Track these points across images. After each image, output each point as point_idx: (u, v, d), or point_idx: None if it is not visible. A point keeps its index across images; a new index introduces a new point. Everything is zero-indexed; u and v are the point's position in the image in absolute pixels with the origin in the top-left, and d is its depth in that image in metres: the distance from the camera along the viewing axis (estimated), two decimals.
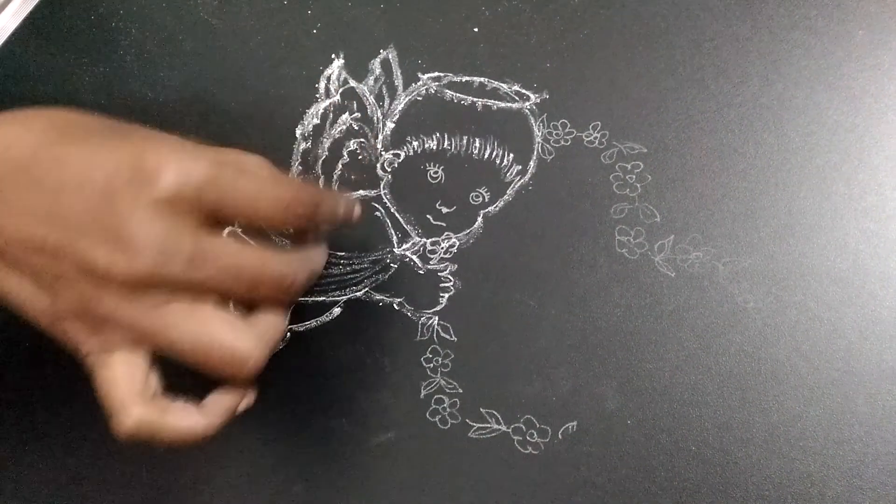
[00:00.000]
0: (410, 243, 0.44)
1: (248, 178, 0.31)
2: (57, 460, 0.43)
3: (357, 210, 0.38)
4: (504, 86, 0.46)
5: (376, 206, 0.45)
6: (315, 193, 0.34)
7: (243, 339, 0.32)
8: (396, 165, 0.45)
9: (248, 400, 0.36)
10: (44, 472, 0.43)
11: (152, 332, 0.31)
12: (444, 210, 0.44)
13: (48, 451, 0.44)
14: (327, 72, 0.48)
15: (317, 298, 0.44)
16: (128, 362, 0.31)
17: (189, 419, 0.32)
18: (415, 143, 0.46)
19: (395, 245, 0.44)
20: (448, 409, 0.41)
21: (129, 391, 0.31)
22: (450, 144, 0.45)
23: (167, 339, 0.31)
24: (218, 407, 0.34)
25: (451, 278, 0.43)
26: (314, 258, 0.37)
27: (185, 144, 0.32)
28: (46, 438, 0.44)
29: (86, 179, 0.29)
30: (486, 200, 0.44)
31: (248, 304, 0.34)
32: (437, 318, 0.42)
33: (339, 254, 0.44)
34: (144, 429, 0.31)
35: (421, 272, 0.43)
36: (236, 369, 0.32)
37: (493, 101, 0.45)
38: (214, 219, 0.31)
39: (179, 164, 0.30)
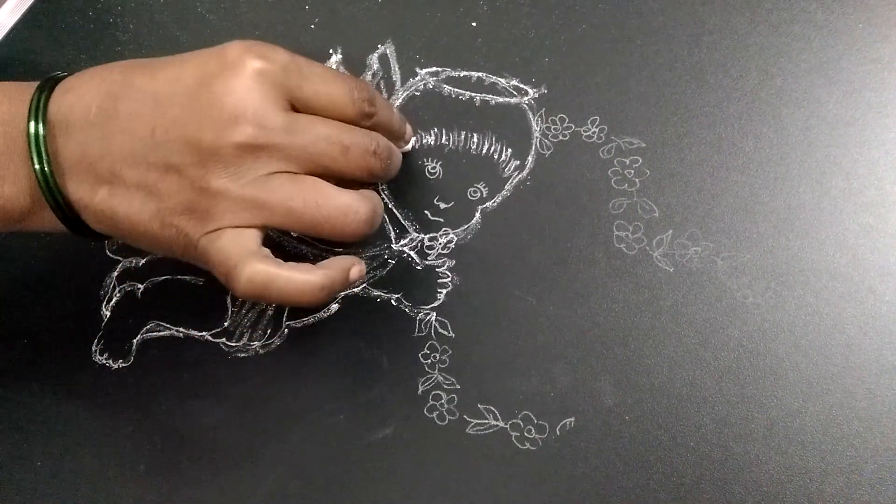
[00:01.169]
0: (408, 239, 0.44)
1: (319, 66, 0.35)
2: (56, 460, 0.43)
3: (409, 129, 0.43)
4: (502, 80, 0.45)
5: None
6: (372, 87, 0.38)
7: (348, 194, 0.34)
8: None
9: (359, 267, 0.38)
10: (43, 472, 0.43)
11: (262, 201, 0.33)
12: (442, 206, 0.44)
13: (47, 451, 0.44)
14: None
15: None
16: (239, 234, 0.33)
17: (306, 273, 0.34)
18: (412, 139, 0.45)
19: (393, 241, 0.44)
20: (446, 405, 0.40)
21: (243, 251, 0.33)
22: (447, 139, 0.45)
23: (278, 208, 0.33)
24: (334, 264, 0.36)
25: (449, 274, 0.43)
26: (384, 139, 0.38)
27: (262, 42, 0.34)
28: (46, 438, 0.44)
29: (179, 79, 0.32)
30: (484, 196, 0.44)
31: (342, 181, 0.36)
32: (434, 313, 0.42)
33: (336, 250, 0.44)
34: (261, 279, 0.33)
35: (419, 268, 0.43)
36: (348, 221, 0.34)
37: (491, 95, 0.45)
38: (297, 97, 0.34)
39: (261, 50, 0.33)
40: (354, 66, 0.47)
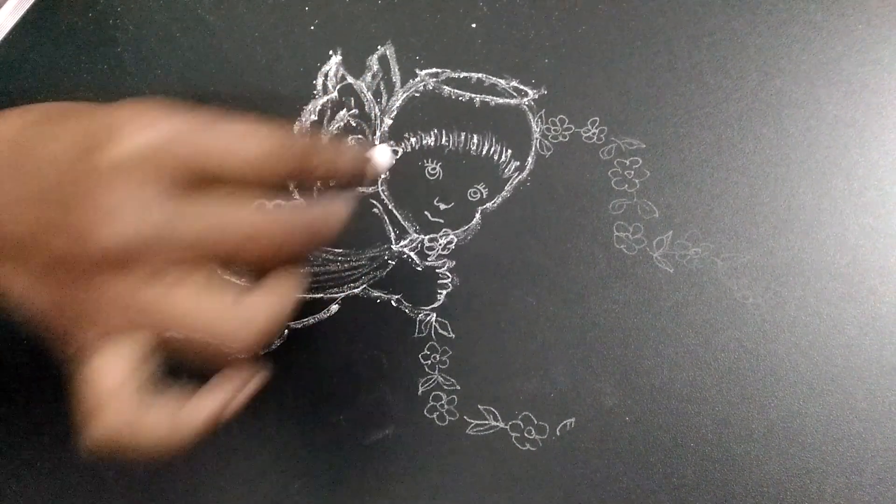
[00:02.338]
0: (408, 240, 0.44)
1: (224, 127, 0.28)
2: (54, 461, 0.43)
3: (373, 167, 0.33)
4: (502, 82, 0.46)
5: (374, 202, 0.45)
6: (308, 139, 0.31)
7: (245, 306, 0.29)
8: (394, 162, 0.45)
9: (248, 389, 0.31)
10: (41, 473, 0.43)
11: (150, 306, 0.28)
12: (442, 206, 0.44)
13: (45, 452, 0.44)
14: (325, 68, 0.48)
15: (314, 295, 0.44)
16: (114, 354, 0.28)
17: (163, 428, 0.28)
18: (412, 140, 0.45)
19: (393, 242, 0.44)
20: (446, 406, 0.40)
21: (107, 389, 0.28)
22: (447, 141, 0.45)
23: (158, 313, 0.28)
24: (206, 404, 0.30)
25: (449, 275, 0.43)
26: (322, 211, 0.31)
27: (151, 105, 0.28)
28: (44, 437, 0.44)
29: (55, 158, 0.28)
30: (484, 197, 0.44)
31: (251, 268, 0.30)
32: (434, 314, 0.42)
33: (336, 251, 0.44)
34: (111, 440, 0.28)
35: (419, 269, 0.43)
36: (238, 340, 0.29)
37: (491, 97, 0.45)
38: (198, 178, 0.28)
39: (136, 124, 0.27)
40: (354, 67, 0.47)
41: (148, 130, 0.27)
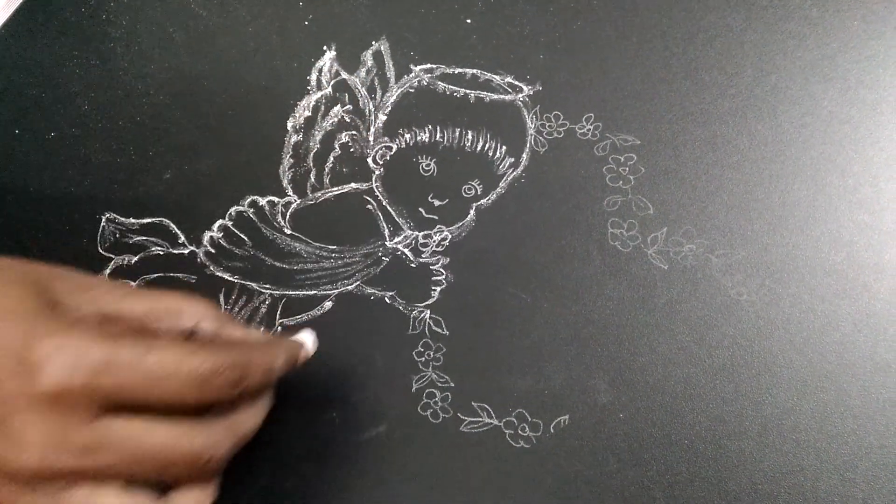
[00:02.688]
0: (402, 236, 0.44)
1: (154, 358, 0.28)
2: None
3: (306, 351, 0.36)
4: (497, 77, 0.45)
5: (368, 199, 0.45)
6: (240, 360, 0.30)
7: None
8: (388, 158, 0.45)
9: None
10: None
11: None
12: (437, 203, 0.44)
13: None
14: (319, 64, 0.48)
15: (308, 292, 0.44)
16: None
17: None
18: (407, 136, 0.45)
19: (387, 238, 0.44)
20: (440, 403, 0.40)
21: None
22: (442, 137, 0.45)
23: None
24: None
25: (444, 271, 0.43)
26: (246, 420, 0.32)
27: (83, 322, 0.29)
28: None
29: None
30: (479, 193, 0.44)
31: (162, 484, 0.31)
32: (428, 311, 0.42)
33: (330, 247, 0.44)
34: None
35: (413, 265, 0.43)
36: None
37: (485, 92, 0.45)
38: (116, 403, 0.28)
39: (68, 354, 0.27)
40: (348, 62, 0.47)
41: (70, 368, 0.27)
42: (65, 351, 0.27)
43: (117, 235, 0.47)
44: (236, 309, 0.44)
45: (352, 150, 0.46)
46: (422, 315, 0.42)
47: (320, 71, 0.48)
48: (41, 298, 0.29)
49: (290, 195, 0.46)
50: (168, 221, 0.46)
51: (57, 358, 0.27)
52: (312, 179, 0.46)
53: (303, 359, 0.36)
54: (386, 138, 0.45)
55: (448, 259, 0.43)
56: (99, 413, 0.28)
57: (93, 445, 0.28)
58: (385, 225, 0.44)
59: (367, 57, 0.47)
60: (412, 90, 0.46)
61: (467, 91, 0.45)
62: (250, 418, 0.33)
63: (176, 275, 0.45)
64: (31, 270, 0.32)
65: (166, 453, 0.29)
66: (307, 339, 0.36)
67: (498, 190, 0.43)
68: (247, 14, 0.50)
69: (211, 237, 0.46)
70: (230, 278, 0.45)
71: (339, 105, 0.47)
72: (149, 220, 0.46)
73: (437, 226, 0.43)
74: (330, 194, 0.45)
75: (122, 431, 0.28)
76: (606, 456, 0.38)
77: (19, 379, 0.27)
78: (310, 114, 0.47)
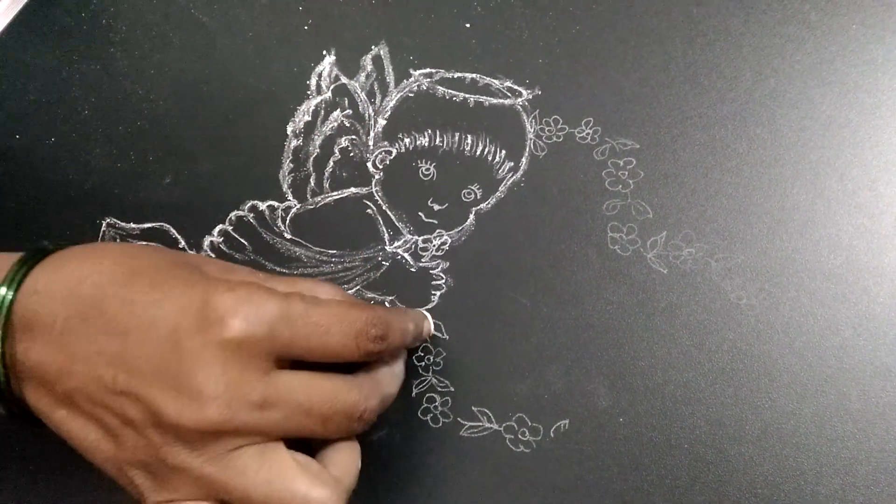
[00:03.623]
0: (402, 241, 0.44)
1: (319, 311, 0.31)
2: (49, 466, 0.43)
3: (428, 325, 0.39)
4: (496, 82, 0.45)
5: (368, 203, 0.45)
6: (385, 317, 0.33)
7: (318, 486, 0.30)
8: (388, 162, 0.45)
9: None
10: (36, 478, 0.43)
11: (221, 484, 0.29)
12: (436, 207, 0.44)
13: (40, 458, 0.43)
14: (318, 68, 0.48)
15: None
16: None
17: None
18: (406, 140, 0.45)
19: (387, 243, 0.44)
20: (440, 408, 0.40)
21: None
22: (441, 141, 0.45)
23: (237, 490, 0.29)
24: None
25: (443, 276, 0.43)
26: (387, 380, 0.35)
27: (254, 282, 0.31)
28: (39, 445, 0.44)
29: (153, 324, 0.29)
30: (478, 197, 0.44)
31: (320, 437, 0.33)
32: (429, 316, 0.42)
33: (330, 252, 0.44)
34: None
35: (412, 270, 0.43)
36: None
37: (485, 97, 0.45)
38: (286, 356, 0.30)
39: (248, 308, 0.29)
40: (348, 67, 0.47)
41: (252, 319, 0.29)
42: (246, 303, 0.29)
43: (118, 240, 0.47)
44: None
45: (351, 154, 0.46)
46: None
47: (320, 75, 0.48)
48: (200, 272, 0.32)
49: (290, 200, 0.46)
50: (168, 226, 0.46)
51: (240, 309, 0.29)
52: (312, 184, 0.46)
53: (426, 333, 0.39)
54: (385, 143, 0.46)
55: (448, 263, 0.43)
56: (272, 367, 0.30)
57: (268, 399, 0.29)
58: (385, 229, 0.44)
59: (367, 61, 0.47)
60: (412, 94, 0.46)
61: (467, 95, 0.46)
62: (392, 380, 0.35)
63: None
64: (182, 254, 0.35)
65: (330, 404, 0.31)
66: (428, 316, 0.41)
67: (497, 194, 0.43)
68: (247, 19, 0.50)
69: (211, 242, 0.46)
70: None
71: (338, 109, 0.47)
72: (149, 225, 0.47)
73: (437, 230, 0.44)
74: (330, 199, 0.45)
75: (291, 383, 0.30)
76: (606, 460, 0.38)
77: (202, 332, 0.28)
78: (310, 118, 0.47)
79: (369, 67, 0.47)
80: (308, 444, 0.33)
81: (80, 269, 0.31)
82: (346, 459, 0.33)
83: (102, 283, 0.30)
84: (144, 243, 0.32)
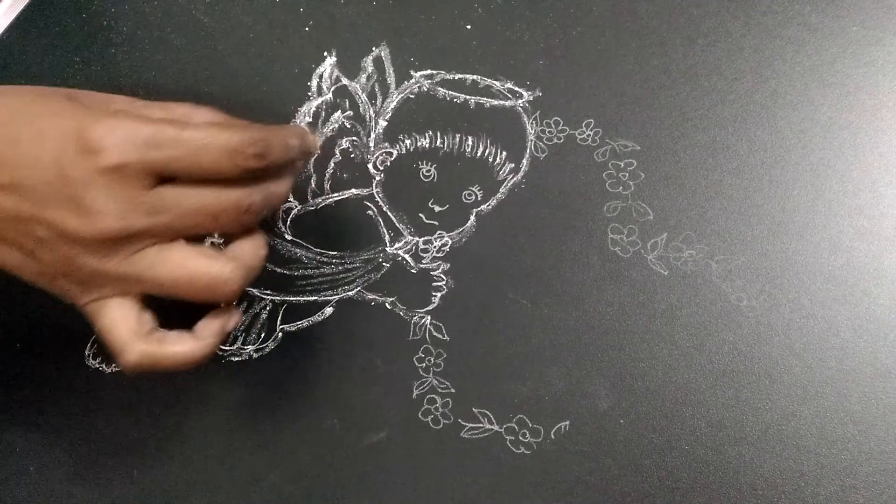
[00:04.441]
0: (403, 242, 0.44)
1: (189, 134, 0.33)
2: (49, 464, 0.43)
3: (313, 139, 0.39)
4: (497, 83, 0.45)
5: (368, 204, 0.45)
6: (263, 136, 0.34)
7: (219, 264, 0.34)
8: (389, 164, 0.45)
9: (235, 318, 0.38)
10: (36, 477, 0.43)
11: (135, 279, 0.33)
12: (437, 208, 0.44)
13: (40, 456, 0.43)
14: (319, 70, 0.48)
15: (309, 298, 0.44)
16: (120, 307, 0.34)
17: (185, 345, 0.35)
18: (407, 142, 0.45)
19: (388, 244, 0.44)
20: (440, 409, 0.40)
21: (126, 332, 0.34)
22: (442, 142, 0.45)
23: (149, 281, 0.33)
24: (209, 330, 0.36)
25: (444, 277, 0.43)
26: (272, 188, 0.37)
27: (129, 110, 0.34)
28: (39, 443, 0.44)
29: (38, 157, 0.32)
30: (479, 199, 0.44)
31: (222, 236, 0.37)
32: (429, 317, 0.42)
33: (330, 253, 0.44)
34: (146, 362, 0.34)
35: (413, 271, 0.43)
36: (218, 291, 0.34)
37: (485, 98, 0.45)
38: (168, 175, 0.33)
39: (120, 133, 0.32)
40: (349, 68, 0.47)
41: (124, 146, 0.32)
42: (117, 130, 0.32)
43: None
44: None
45: (352, 155, 0.46)
46: (422, 321, 0.42)
47: (321, 77, 0.48)
48: (77, 103, 0.34)
49: (290, 201, 0.46)
50: None
51: (112, 136, 0.32)
52: (313, 185, 0.46)
53: (312, 146, 0.39)
54: (386, 144, 0.46)
55: (448, 265, 0.43)
56: (154, 183, 0.33)
57: (156, 206, 0.32)
58: (385, 230, 0.44)
59: (368, 63, 0.47)
60: (412, 96, 0.46)
61: (467, 97, 0.46)
62: (278, 186, 0.37)
63: None
64: (59, 88, 0.36)
65: (216, 201, 0.34)
66: (307, 130, 0.41)
67: (498, 195, 0.43)
68: (248, 20, 0.50)
69: (211, 242, 0.46)
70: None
71: (339, 111, 0.47)
72: None
73: (438, 231, 0.44)
74: (330, 200, 0.45)
75: (177, 194, 0.33)
76: (607, 462, 0.38)
77: (82, 160, 0.31)
78: (310, 119, 0.47)
79: (370, 69, 0.47)
80: None
81: None
82: (246, 246, 0.36)
83: None
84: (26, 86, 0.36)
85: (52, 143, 0.32)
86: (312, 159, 0.46)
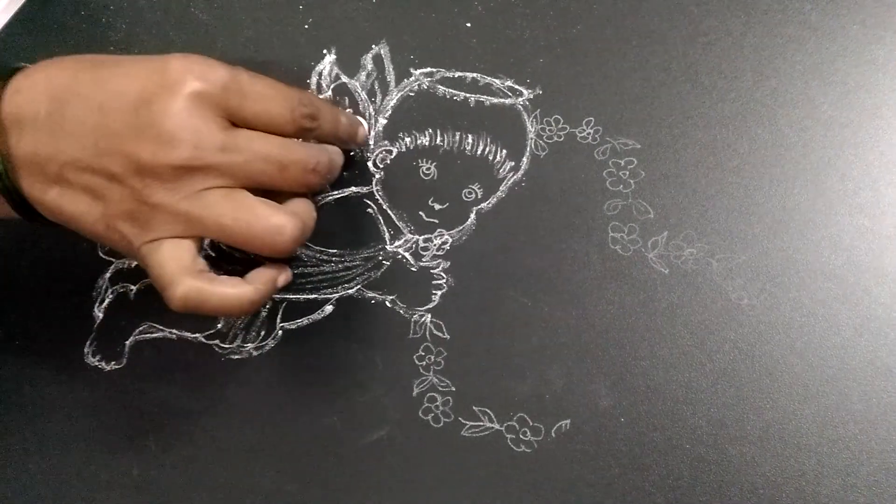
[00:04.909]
0: (403, 240, 0.44)
1: (262, 82, 0.36)
2: (49, 462, 0.43)
3: (363, 130, 0.44)
4: (497, 81, 0.45)
5: (368, 202, 0.45)
6: (315, 100, 0.38)
7: (279, 214, 0.35)
8: (388, 162, 0.45)
9: (286, 275, 0.39)
10: (35, 474, 0.43)
11: (197, 218, 0.35)
12: (437, 207, 0.44)
13: (39, 453, 0.43)
14: (319, 67, 0.48)
15: (309, 296, 0.44)
16: (177, 246, 0.35)
17: (236, 287, 0.36)
18: (407, 140, 0.45)
19: (388, 242, 0.44)
20: (441, 408, 0.40)
21: (178, 267, 0.35)
22: (442, 140, 0.45)
23: (211, 222, 0.35)
24: (261, 278, 0.38)
25: (444, 275, 0.43)
26: (332, 150, 0.40)
27: (204, 57, 0.36)
28: (38, 441, 0.44)
29: (123, 93, 0.34)
30: (479, 197, 0.44)
31: (279, 193, 0.38)
32: (429, 315, 0.42)
33: (330, 251, 0.44)
34: (194, 296, 0.35)
35: (413, 269, 0.43)
36: (276, 241, 0.35)
37: (485, 96, 0.45)
38: (235, 118, 0.35)
39: (203, 69, 0.34)
40: (348, 66, 0.47)
41: (207, 78, 0.34)
42: (201, 65, 0.34)
43: None
44: None
45: (352, 153, 0.46)
46: (422, 319, 0.42)
47: (320, 74, 0.48)
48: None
49: None
50: None
51: (195, 69, 0.34)
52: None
53: (362, 136, 0.44)
54: (386, 142, 0.45)
55: (449, 263, 0.43)
56: (228, 125, 0.35)
57: (229, 145, 0.34)
58: (385, 229, 0.44)
59: (367, 60, 0.47)
60: (412, 94, 0.46)
61: (467, 95, 0.45)
62: (334, 153, 0.41)
63: None
64: None
65: (286, 152, 0.36)
66: (364, 123, 0.45)
67: (498, 194, 0.43)
68: (247, 18, 0.50)
69: (211, 240, 0.46)
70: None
71: (339, 108, 0.47)
72: None
73: (438, 229, 0.43)
74: (330, 198, 0.45)
75: (250, 137, 0.35)
76: (608, 460, 0.38)
77: (165, 91, 0.33)
78: None
79: (370, 66, 0.47)
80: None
81: (50, 68, 0.36)
82: (303, 206, 0.38)
83: (74, 71, 0.35)
84: None
85: (136, 79, 0.34)
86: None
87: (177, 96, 0.33)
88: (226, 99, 0.34)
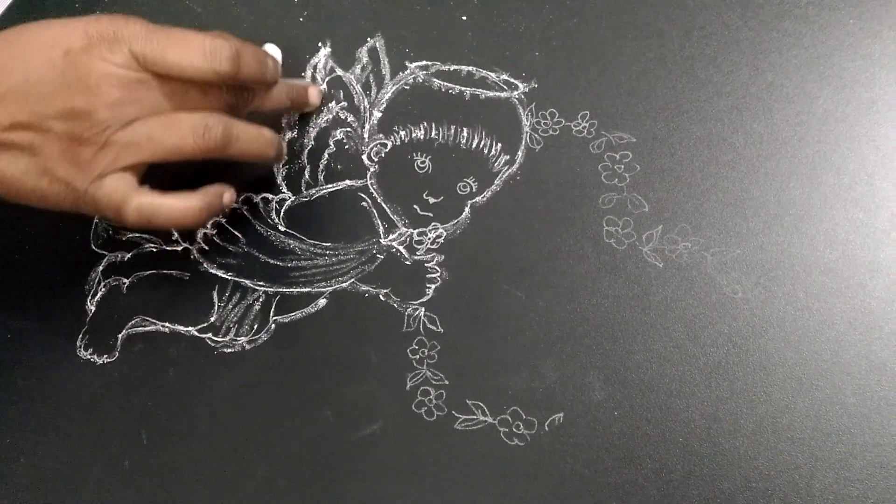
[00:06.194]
0: (397, 234, 0.44)
1: (176, 35, 0.37)
2: (40, 455, 0.43)
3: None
4: (492, 75, 0.45)
5: (363, 195, 0.45)
6: (234, 42, 0.38)
7: (201, 115, 0.38)
8: (383, 155, 0.45)
9: (230, 193, 0.42)
10: (27, 467, 0.43)
11: (135, 145, 0.37)
12: (432, 200, 0.44)
13: (31, 446, 0.43)
14: (314, 60, 0.47)
15: (302, 289, 0.43)
16: (121, 177, 0.37)
17: (184, 199, 0.39)
18: (402, 133, 0.45)
19: (382, 235, 0.44)
20: (434, 401, 0.40)
21: (128, 189, 0.37)
22: (437, 134, 0.45)
23: (142, 141, 0.37)
24: (208, 191, 0.40)
25: (438, 269, 0.42)
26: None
27: (122, 14, 0.38)
28: (30, 434, 0.43)
29: (50, 60, 0.36)
30: (474, 190, 0.43)
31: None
32: (423, 309, 0.42)
33: (324, 244, 0.44)
34: (147, 208, 0.38)
35: (407, 263, 0.43)
36: (208, 137, 0.38)
37: (481, 90, 0.45)
38: (156, 70, 0.37)
39: (115, 26, 0.37)
40: (343, 59, 0.47)
41: (127, 33, 0.37)
42: (113, 20, 0.37)
43: (110, 232, 0.47)
44: (230, 306, 0.44)
45: (346, 146, 0.45)
46: (416, 312, 0.42)
47: (315, 67, 0.47)
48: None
49: (284, 192, 0.45)
50: None
51: (112, 22, 0.37)
52: (307, 176, 0.45)
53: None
54: (381, 135, 0.45)
55: (443, 256, 0.43)
56: (142, 71, 0.37)
57: (148, 82, 0.37)
58: (380, 222, 0.44)
59: (363, 53, 0.47)
60: (407, 87, 0.46)
61: (463, 88, 0.45)
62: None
63: (169, 272, 0.45)
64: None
65: (190, 73, 0.38)
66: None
67: (493, 187, 0.43)
68: (242, 10, 0.50)
69: (205, 234, 0.45)
70: (224, 275, 0.44)
71: (333, 102, 0.46)
72: None
73: (432, 223, 0.43)
74: (324, 191, 0.45)
75: (163, 81, 0.38)
76: (601, 454, 0.38)
77: (84, 52, 0.36)
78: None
79: (365, 59, 0.47)
80: None
81: None
82: (218, 106, 0.40)
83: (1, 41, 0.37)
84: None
85: (57, 40, 0.36)
86: (306, 150, 0.46)
87: (98, 52, 0.36)
88: (141, 51, 0.36)
